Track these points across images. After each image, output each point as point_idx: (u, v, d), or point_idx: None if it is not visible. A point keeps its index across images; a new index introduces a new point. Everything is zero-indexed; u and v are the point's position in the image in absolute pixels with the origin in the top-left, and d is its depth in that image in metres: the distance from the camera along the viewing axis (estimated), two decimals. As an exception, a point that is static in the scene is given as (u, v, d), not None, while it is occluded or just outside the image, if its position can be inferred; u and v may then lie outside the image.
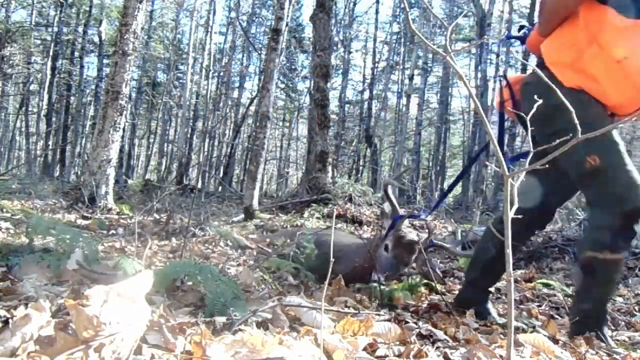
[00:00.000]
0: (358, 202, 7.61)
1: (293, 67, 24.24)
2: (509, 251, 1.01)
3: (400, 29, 21.70)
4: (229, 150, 18.35)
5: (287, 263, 2.92)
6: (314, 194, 7.97)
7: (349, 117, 23.56)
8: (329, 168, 9.07)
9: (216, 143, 20.66)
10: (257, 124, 7.44)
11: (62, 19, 19.08)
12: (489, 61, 19.09)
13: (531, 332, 1.96)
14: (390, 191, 2.85)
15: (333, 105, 19.35)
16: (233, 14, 20.57)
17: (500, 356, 1.41)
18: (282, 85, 23.46)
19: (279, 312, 1.60)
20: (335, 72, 20.80)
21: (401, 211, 2.84)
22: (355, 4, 21.80)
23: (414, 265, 2.79)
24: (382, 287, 2.43)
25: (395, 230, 2.68)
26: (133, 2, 6.49)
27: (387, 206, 2.85)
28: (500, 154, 1.04)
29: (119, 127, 6.60)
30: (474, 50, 20.16)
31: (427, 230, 2.88)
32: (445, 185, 25.42)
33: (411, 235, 2.70)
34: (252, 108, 17.07)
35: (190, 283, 1.95)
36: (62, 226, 2.36)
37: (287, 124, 26.66)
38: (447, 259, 4.60)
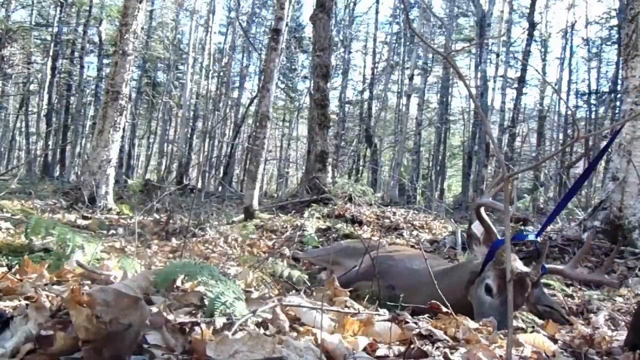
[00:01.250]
0: (358, 202, 7.62)
1: (293, 67, 24.26)
2: (508, 252, 1.01)
3: (400, 29, 21.70)
4: (229, 150, 18.35)
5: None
6: (314, 194, 7.97)
7: (349, 117, 23.58)
8: (329, 168, 9.07)
9: (216, 143, 20.66)
10: (257, 124, 7.44)
11: (62, 18, 19.09)
12: (489, 61, 19.10)
13: (531, 332, 1.96)
14: (483, 212, 2.18)
15: (333, 105, 19.37)
16: (233, 14, 20.58)
17: (500, 356, 1.41)
18: (282, 85, 23.48)
19: (279, 312, 1.60)
20: (335, 72, 20.82)
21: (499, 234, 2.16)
22: (355, 4, 21.84)
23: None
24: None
25: (499, 262, 2.05)
26: (133, 2, 6.49)
27: (477, 227, 2.23)
28: (501, 155, 1.03)
29: (119, 127, 6.61)
30: (474, 50, 20.16)
31: (533, 254, 2.28)
32: (446, 185, 25.43)
33: (518, 265, 2.07)
34: (252, 108, 17.08)
35: (190, 283, 1.95)
36: (62, 226, 2.36)
37: (287, 124, 26.67)
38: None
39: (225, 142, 19.54)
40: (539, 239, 2.26)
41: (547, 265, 2.16)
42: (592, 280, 2.96)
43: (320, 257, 3.38)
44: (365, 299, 2.26)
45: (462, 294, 2.13)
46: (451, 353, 1.43)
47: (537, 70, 23.39)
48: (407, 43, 21.03)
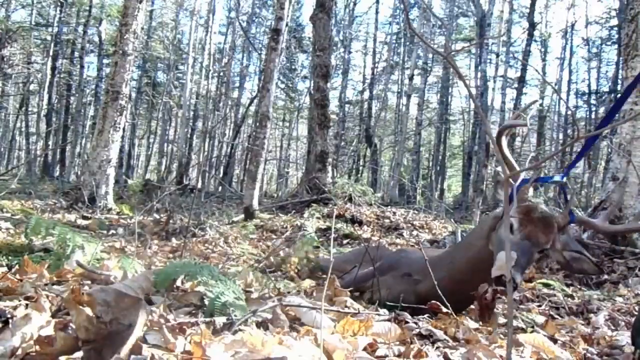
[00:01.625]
0: (358, 202, 7.62)
1: (293, 67, 24.25)
2: (508, 252, 1.01)
3: (400, 29, 21.71)
4: (229, 150, 18.36)
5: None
6: (314, 194, 7.98)
7: (349, 117, 23.58)
8: (329, 168, 9.07)
9: (216, 143, 20.67)
10: (257, 124, 7.45)
11: (62, 18, 19.09)
12: (489, 61, 19.10)
13: (531, 332, 1.96)
14: (504, 141, 1.97)
15: (333, 105, 19.39)
16: (233, 14, 20.58)
17: (500, 356, 1.41)
18: (282, 85, 23.47)
19: (279, 312, 1.60)
20: (335, 72, 20.82)
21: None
22: (355, 4, 21.84)
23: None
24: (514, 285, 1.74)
25: (520, 200, 1.91)
26: (133, 2, 6.49)
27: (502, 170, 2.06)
28: (501, 154, 1.03)
29: (119, 127, 6.61)
30: (474, 50, 20.16)
31: (560, 202, 1.94)
32: (446, 185, 25.42)
33: (542, 207, 1.93)
34: (252, 108, 17.09)
35: (190, 283, 1.95)
36: (62, 226, 2.36)
37: (287, 124, 26.68)
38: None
39: (225, 142, 19.55)
40: (564, 179, 2.05)
41: (576, 214, 1.99)
42: (626, 230, 2.80)
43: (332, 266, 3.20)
44: (367, 300, 2.25)
45: (483, 244, 1.99)
46: (451, 353, 1.43)
47: (537, 70, 23.40)
48: (407, 43, 21.03)
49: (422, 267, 2.18)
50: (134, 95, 21.64)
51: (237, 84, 22.39)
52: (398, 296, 2.08)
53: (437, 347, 1.52)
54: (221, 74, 20.72)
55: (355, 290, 2.35)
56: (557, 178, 2.06)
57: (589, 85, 20.80)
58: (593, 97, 20.11)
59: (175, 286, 1.93)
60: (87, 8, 18.66)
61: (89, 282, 1.92)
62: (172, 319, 1.40)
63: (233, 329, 1.43)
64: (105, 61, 19.82)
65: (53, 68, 18.59)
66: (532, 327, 2.11)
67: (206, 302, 1.63)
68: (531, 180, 1.97)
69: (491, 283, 1.84)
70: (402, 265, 2.32)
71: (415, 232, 6.13)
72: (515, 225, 1.87)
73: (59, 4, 18.35)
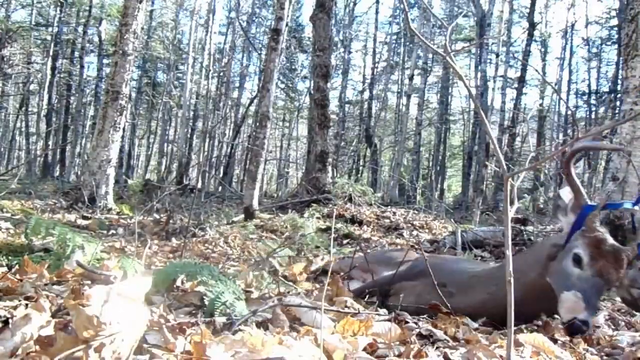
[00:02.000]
0: (358, 202, 7.62)
1: (293, 67, 24.25)
2: (508, 252, 1.01)
3: (400, 29, 21.72)
4: (229, 150, 18.36)
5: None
6: (314, 194, 7.98)
7: (349, 117, 23.59)
8: (329, 168, 9.07)
9: (216, 143, 20.67)
10: (257, 124, 7.45)
11: (62, 18, 19.09)
12: (489, 61, 19.09)
13: (531, 332, 1.96)
14: (573, 167, 1.84)
15: (333, 105, 19.38)
16: (233, 14, 20.57)
17: (500, 356, 1.41)
18: (282, 85, 23.47)
19: (279, 312, 1.60)
20: (335, 72, 20.81)
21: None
22: (355, 4, 21.84)
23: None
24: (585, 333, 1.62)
25: (589, 230, 1.75)
26: (133, 2, 6.49)
27: (565, 193, 1.88)
28: (500, 154, 1.03)
29: (119, 127, 6.61)
30: (474, 50, 20.16)
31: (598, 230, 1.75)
32: (446, 185, 25.42)
33: (609, 239, 1.76)
34: (252, 108, 17.08)
35: (190, 283, 1.95)
36: (62, 226, 2.36)
37: (287, 124, 26.68)
38: None
39: (225, 142, 19.55)
40: (637, 207, 1.87)
41: None
42: None
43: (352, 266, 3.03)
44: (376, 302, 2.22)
45: (539, 273, 1.82)
46: (451, 353, 1.43)
47: (537, 70, 23.38)
48: (407, 43, 21.04)
49: (461, 280, 2.08)
50: (134, 95, 21.65)
51: (237, 84, 22.40)
52: (424, 302, 1.98)
53: (437, 347, 1.52)
54: (221, 74, 20.71)
55: (378, 293, 2.27)
56: (627, 205, 1.92)
57: (589, 85, 20.81)
58: (593, 97, 20.10)
59: (175, 286, 1.93)
60: (87, 8, 18.66)
61: (89, 282, 1.92)
62: (172, 319, 1.41)
63: (233, 329, 1.43)
64: (105, 61, 19.84)
65: (53, 68, 18.60)
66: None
67: (206, 302, 1.63)
68: (599, 206, 1.81)
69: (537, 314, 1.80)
70: (438, 274, 2.14)
71: (415, 232, 6.13)
72: (585, 259, 1.72)
73: (59, 4, 18.35)
